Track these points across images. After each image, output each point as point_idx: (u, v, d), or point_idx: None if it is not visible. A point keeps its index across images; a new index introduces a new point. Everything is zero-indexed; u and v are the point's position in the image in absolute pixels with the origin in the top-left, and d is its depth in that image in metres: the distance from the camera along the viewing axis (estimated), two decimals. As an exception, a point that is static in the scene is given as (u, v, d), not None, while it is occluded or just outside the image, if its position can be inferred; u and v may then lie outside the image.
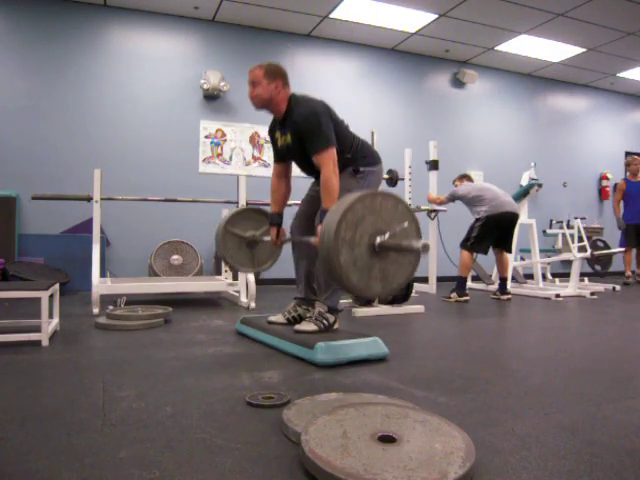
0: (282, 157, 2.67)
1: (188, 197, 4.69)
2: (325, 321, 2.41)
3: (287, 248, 2.79)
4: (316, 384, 1.84)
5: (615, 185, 8.01)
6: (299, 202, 2.81)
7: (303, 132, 2.38)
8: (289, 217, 2.75)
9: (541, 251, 5.86)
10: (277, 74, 2.47)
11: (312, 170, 2.51)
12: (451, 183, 5.05)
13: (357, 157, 2.52)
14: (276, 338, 2.41)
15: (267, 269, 3.07)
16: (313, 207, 2.55)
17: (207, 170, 5.69)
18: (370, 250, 1.80)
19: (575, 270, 5.04)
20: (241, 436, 1.32)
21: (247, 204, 4.20)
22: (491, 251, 4.70)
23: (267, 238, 2.80)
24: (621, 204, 6.57)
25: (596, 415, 1.52)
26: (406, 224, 1.84)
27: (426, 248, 1.69)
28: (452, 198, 4.81)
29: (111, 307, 3.50)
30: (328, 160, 2.31)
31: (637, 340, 2.94)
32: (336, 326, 2.48)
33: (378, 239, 1.79)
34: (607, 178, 7.92)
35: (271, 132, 2.69)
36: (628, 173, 6.55)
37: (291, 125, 2.45)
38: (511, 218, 4.56)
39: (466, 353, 2.50)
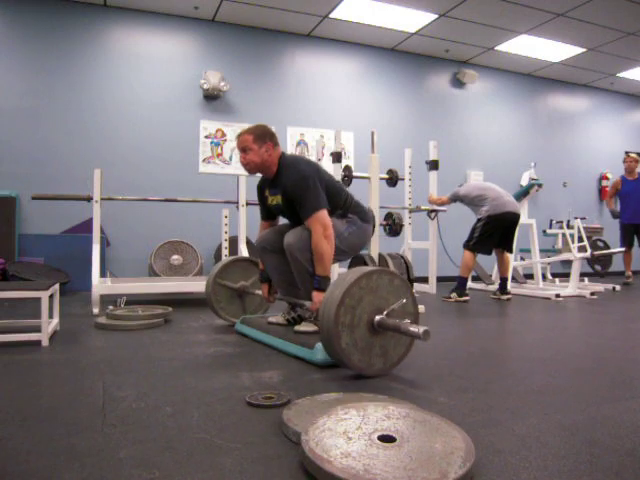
0: (271, 215, 2.71)
1: (188, 197, 4.70)
2: (325, 321, 2.41)
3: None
4: (316, 384, 1.84)
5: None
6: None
7: (293, 196, 2.39)
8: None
9: (541, 251, 5.86)
10: (266, 137, 2.47)
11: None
12: (451, 184, 5.05)
13: (349, 213, 2.54)
14: (276, 338, 2.41)
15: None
16: (282, 230, 2.60)
17: (207, 170, 5.69)
18: (369, 329, 1.84)
19: (575, 270, 5.04)
20: (241, 436, 1.32)
21: (247, 204, 4.20)
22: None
23: (258, 292, 2.83)
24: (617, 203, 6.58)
25: (596, 415, 1.52)
26: (405, 300, 1.88)
27: (427, 335, 1.69)
28: (454, 199, 4.81)
29: (111, 307, 3.50)
30: (317, 225, 2.30)
31: (637, 340, 2.94)
32: (336, 326, 2.47)
33: (377, 318, 1.82)
34: (607, 178, 7.92)
35: (260, 190, 2.69)
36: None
37: (281, 188, 2.46)
38: (513, 218, 4.56)
39: (466, 353, 2.50)
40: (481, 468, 1.13)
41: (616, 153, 8.17)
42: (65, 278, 4.58)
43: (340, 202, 2.51)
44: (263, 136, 2.46)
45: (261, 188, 2.68)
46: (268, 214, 2.72)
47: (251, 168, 2.51)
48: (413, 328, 1.72)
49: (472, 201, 4.67)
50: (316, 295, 2.27)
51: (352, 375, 1.95)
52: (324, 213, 2.33)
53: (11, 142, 4.96)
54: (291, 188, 2.38)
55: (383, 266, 3.72)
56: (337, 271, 3.93)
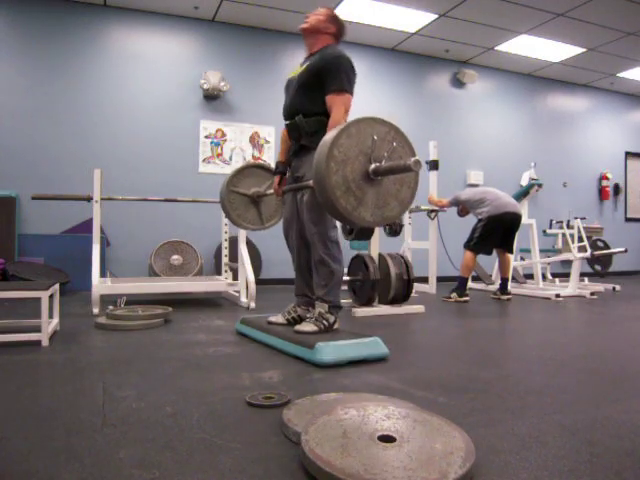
0: (294, 105, 2.61)
1: (188, 197, 4.69)
2: (325, 321, 2.41)
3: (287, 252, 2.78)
4: (316, 384, 1.84)
5: (616, 185, 8.03)
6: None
7: (326, 67, 2.39)
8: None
9: (541, 251, 5.86)
10: (337, 23, 2.57)
11: (296, 113, 2.51)
12: (451, 184, 5.04)
13: None
14: (276, 338, 2.41)
15: (274, 224, 3.10)
16: (297, 215, 2.60)
17: (207, 170, 5.69)
18: (363, 175, 1.77)
19: (575, 270, 5.04)
20: (241, 436, 1.32)
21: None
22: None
23: (270, 191, 2.82)
24: None
25: (596, 415, 1.52)
26: (395, 144, 1.81)
27: (417, 165, 1.67)
28: (455, 202, 4.82)
29: (111, 307, 3.50)
30: (341, 104, 2.35)
31: (637, 340, 2.94)
32: (336, 326, 2.48)
33: (372, 166, 1.77)
34: (607, 178, 7.92)
35: (289, 79, 2.69)
36: None
37: (316, 58, 2.47)
38: (513, 218, 4.56)
39: (466, 353, 2.50)
40: (481, 468, 1.13)
41: (616, 153, 8.17)
42: (65, 278, 4.58)
43: None
44: (336, 21, 2.56)
45: (291, 76, 2.67)
46: (291, 103, 2.64)
47: (306, 25, 2.56)
48: (403, 161, 1.70)
49: (473, 205, 4.68)
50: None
51: (352, 375, 1.95)
52: (350, 99, 2.38)
53: (11, 142, 4.96)
54: (330, 59, 2.40)
55: (383, 267, 3.71)
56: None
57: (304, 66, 2.54)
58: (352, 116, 6.70)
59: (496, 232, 4.54)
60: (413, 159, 1.68)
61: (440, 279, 5.11)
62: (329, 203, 1.74)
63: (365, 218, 1.77)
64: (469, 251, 4.57)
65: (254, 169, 3.06)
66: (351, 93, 2.41)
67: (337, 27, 2.59)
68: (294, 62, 6.06)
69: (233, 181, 2.97)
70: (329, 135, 1.75)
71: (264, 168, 3.06)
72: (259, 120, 5.86)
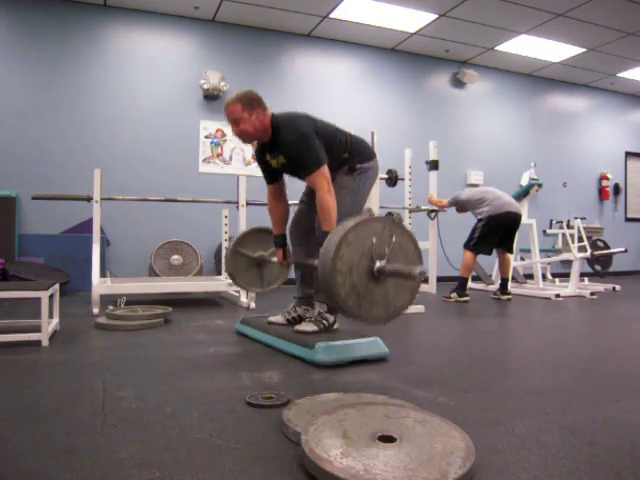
0: (276, 177, 2.65)
1: (188, 197, 4.69)
2: (325, 321, 2.41)
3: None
4: (316, 384, 1.84)
5: (616, 185, 8.04)
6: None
7: (293, 156, 2.37)
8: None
9: (541, 251, 5.86)
10: (254, 102, 2.37)
11: None
12: (451, 184, 5.04)
13: (354, 155, 2.51)
14: (276, 338, 2.41)
15: (276, 288, 3.07)
16: (308, 212, 2.57)
17: (207, 170, 5.69)
18: (369, 276, 1.78)
19: (575, 270, 5.04)
20: (241, 436, 1.32)
21: (247, 204, 4.20)
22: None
23: (275, 259, 2.80)
24: None
25: (596, 415, 1.52)
26: (394, 238, 1.81)
27: (422, 275, 1.67)
28: (455, 202, 4.81)
29: (111, 307, 3.50)
30: (321, 180, 2.27)
31: (637, 340, 2.94)
32: (336, 326, 2.48)
33: (377, 264, 1.77)
34: (607, 178, 7.92)
35: (260, 156, 2.62)
36: None
37: (281, 148, 2.41)
38: (513, 218, 4.56)
39: (466, 353, 2.50)
40: (481, 468, 1.13)
41: (616, 153, 8.17)
42: (65, 278, 4.58)
43: (342, 146, 2.47)
44: (251, 102, 2.36)
45: (261, 154, 2.61)
46: (273, 177, 2.64)
47: (245, 138, 2.46)
48: (408, 269, 1.69)
49: (473, 204, 4.68)
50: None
51: (352, 375, 1.95)
52: (326, 168, 2.31)
53: (11, 142, 4.96)
54: (290, 148, 2.35)
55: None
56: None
57: (278, 158, 2.47)
58: (355, 116, 6.60)
59: (496, 232, 4.53)
60: (419, 269, 1.66)
61: (440, 279, 5.11)
62: (342, 311, 1.78)
63: (380, 316, 1.79)
64: (469, 251, 4.57)
65: (261, 232, 3.06)
66: (323, 160, 2.31)
67: (256, 102, 2.38)
68: (294, 62, 6.08)
69: (240, 242, 2.97)
70: (329, 248, 1.74)
71: (271, 232, 3.05)
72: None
